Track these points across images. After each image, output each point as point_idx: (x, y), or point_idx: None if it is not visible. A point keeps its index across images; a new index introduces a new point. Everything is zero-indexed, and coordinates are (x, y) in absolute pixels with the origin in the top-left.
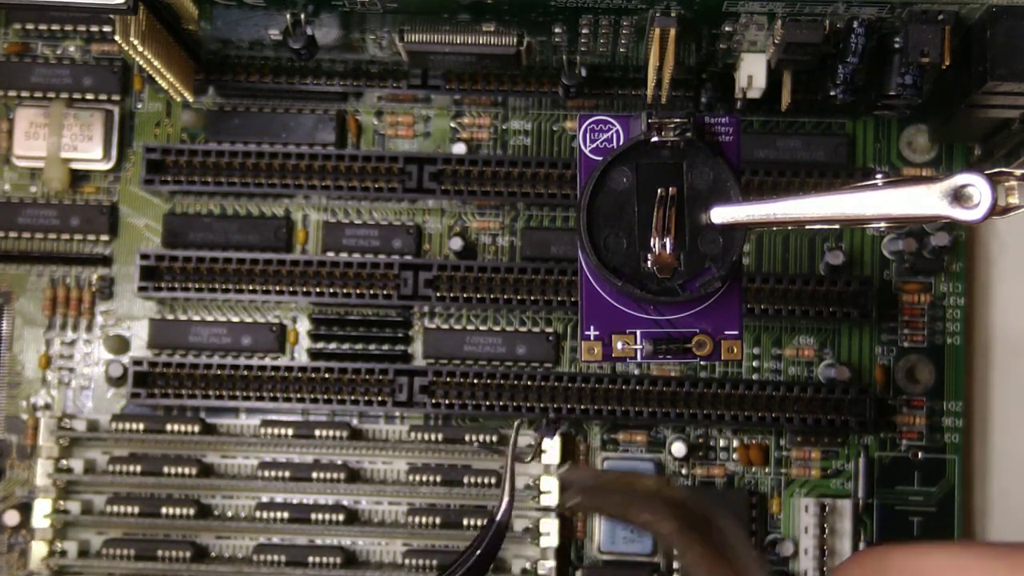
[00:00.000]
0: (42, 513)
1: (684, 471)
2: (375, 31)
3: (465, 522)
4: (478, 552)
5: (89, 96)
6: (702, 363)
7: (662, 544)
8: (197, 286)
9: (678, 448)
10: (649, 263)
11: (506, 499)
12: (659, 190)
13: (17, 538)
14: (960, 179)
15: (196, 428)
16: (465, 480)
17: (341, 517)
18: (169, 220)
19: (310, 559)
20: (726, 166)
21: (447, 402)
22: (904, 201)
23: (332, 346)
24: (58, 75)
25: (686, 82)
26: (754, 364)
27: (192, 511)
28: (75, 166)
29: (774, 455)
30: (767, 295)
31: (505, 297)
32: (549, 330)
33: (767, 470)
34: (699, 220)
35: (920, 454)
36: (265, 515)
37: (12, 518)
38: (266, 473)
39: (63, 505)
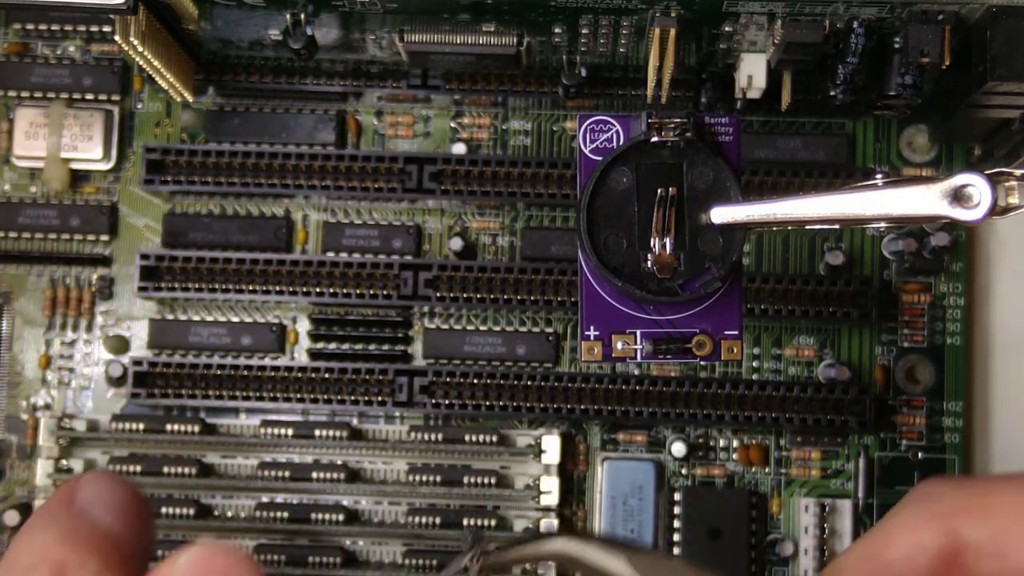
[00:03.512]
0: None
1: (684, 471)
2: (375, 31)
3: (465, 522)
4: None
5: (89, 96)
6: (702, 363)
7: None
8: (197, 286)
9: (678, 448)
10: (649, 263)
11: None
12: (659, 190)
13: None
14: (960, 179)
15: (196, 428)
16: (465, 480)
17: (341, 517)
18: (169, 220)
19: (310, 559)
20: (726, 166)
21: (447, 402)
22: (904, 201)
23: (332, 346)
24: (58, 75)
25: (686, 82)
26: (754, 364)
27: (192, 511)
28: (75, 166)
29: (774, 455)
30: (767, 295)
31: (505, 297)
32: (549, 330)
33: (767, 470)
34: (699, 220)
35: (920, 454)
36: (265, 515)
37: (12, 518)
38: (266, 473)
39: None
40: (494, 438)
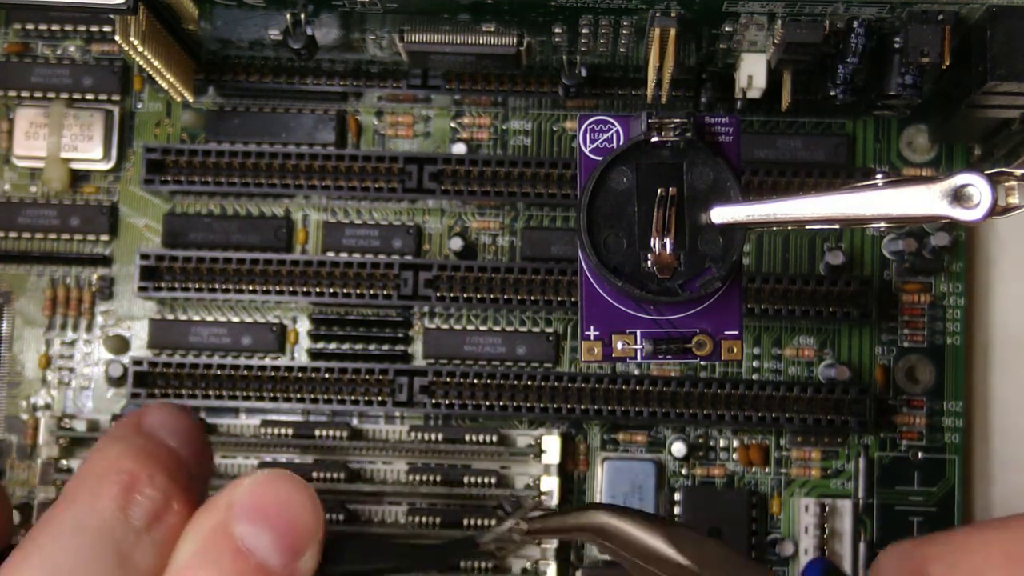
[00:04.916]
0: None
1: (684, 471)
2: (375, 31)
3: (465, 522)
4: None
5: (89, 96)
6: (702, 363)
7: None
8: (197, 286)
9: (678, 448)
10: (649, 263)
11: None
12: (659, 190)
13: (17, 538)
14: (960, 179)
15: None
16: (465, 480)
17: (341, 517)
18: (169, 220)
19: None
20: (726, 166)
21: (447, 402)
22: (904, 201)
23: (332, 346)
24: (58, 75)
25: (686, 82)
26: (754, 364)
27: None
28: (75, 166)
29: (774, 455)
30: (767, 295)
31: (505, 297)
32: (549, 330)
33: (767, 470)
34: (699, 220)
35: (920, 454)
36: None
37: (13, 518)
38: None
39: None
40: (494, 438)
